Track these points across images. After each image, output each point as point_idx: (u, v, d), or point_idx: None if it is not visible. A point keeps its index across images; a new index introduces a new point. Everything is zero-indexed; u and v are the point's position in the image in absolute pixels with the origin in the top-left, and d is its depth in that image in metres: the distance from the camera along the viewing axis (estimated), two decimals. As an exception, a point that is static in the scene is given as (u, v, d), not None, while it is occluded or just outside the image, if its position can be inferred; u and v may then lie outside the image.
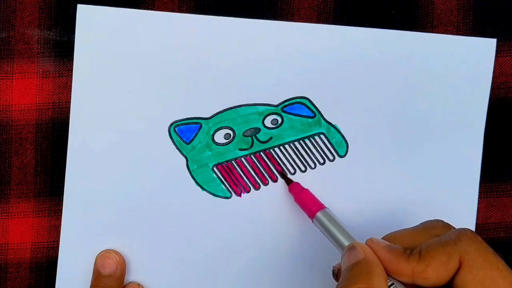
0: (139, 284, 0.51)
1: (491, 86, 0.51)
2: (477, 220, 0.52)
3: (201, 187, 0.51)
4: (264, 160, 0.51)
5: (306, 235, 0.51)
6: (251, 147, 0.51)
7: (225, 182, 0.51)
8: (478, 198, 0.52)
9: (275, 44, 0.50)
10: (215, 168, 0.51)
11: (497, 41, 0.51)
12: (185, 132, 0.51)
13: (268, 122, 0.51)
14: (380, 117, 0.51)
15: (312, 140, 0.51)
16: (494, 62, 0.51)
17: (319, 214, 0.47)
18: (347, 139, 0.51)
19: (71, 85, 0.50)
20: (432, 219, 0.42)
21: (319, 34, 0.51)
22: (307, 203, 0.48)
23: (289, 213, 0.51)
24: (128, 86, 0.50)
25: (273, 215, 0.51)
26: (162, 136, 0.51)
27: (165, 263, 0.51)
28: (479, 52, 0.51)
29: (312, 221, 0.47)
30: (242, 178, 0.51)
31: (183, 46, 0.50)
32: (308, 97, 0.51)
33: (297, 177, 0.51)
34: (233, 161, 0.51)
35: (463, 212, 0.52)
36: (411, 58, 0.51)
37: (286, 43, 0.50)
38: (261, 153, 0.51)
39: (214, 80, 0.50)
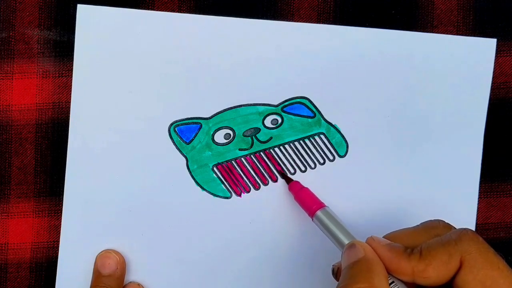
0: (139, 284, 0.51)
1: (491, 86, 0.51)
2: (477, 220, 0.52)
3: (201, 187, 0.51)
4: (264, 160, 0.51)
5: (306, 235, 0.51)
6: (251, 147, 0.51)
7: (225, 182, 0.51)
8: (478, 198, 0.52)
9: (275, 44, 0.50)
10: (215, 168, 0.51)
11: (497, 41, 0.51)
12: (185, 132, 0.51)
13: (268, 122, 0.51)
14: (380, 117, 0.51)
15: (312, 140, 0.51)
16: (494, 62, 0.51)
17: (319, 212, 0.47)
18: (347, 139, 0.51)
19: (71, 85, 0.50)
20: (432, 219, 0.42)
21: (319, 34, 0.51)
22: (307, 201, 0.48)
23: (289, 213, 0.51)
24: (128, 86, 0.50)
25: (273, 215, 0.51)
26: (162, 136, 0.51)
27: (165, 263, 0.51)
28: (479, 52, 0.51)
29: (312, 219, 0.47)
30: (242, 178, 0.51)
31: (183, 46, 0.50)
32: (308, 97, 0.51)
33: (297, 177, 0.51)
34: (233, 161, 0.51)
35: (463, 212, 0.52)
36: (411, 58, 0.51)
37: (286, 43, 0.50)
38: (261, 153, 0.51)
39: (214, 80, 0.50)
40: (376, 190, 0.51)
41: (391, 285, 0.39)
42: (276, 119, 0.51)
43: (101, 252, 0.50)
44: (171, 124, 0.50)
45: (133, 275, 0.51)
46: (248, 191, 0.51)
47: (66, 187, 0.50)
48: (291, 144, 0.51)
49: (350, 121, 0.51)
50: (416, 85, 0.51)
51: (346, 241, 0.44)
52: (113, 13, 0.50)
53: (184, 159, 0.51)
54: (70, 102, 0.50)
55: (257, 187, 0.51)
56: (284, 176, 0.51)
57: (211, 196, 0.51)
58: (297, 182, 0.50)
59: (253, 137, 0.51)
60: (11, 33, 0.50)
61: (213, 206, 0.51)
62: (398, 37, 0.51)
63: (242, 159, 0.51)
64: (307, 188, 0.49)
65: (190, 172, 0.51)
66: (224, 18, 0.50)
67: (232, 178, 0.51)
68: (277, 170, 0.51)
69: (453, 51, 0.51)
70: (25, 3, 0.50)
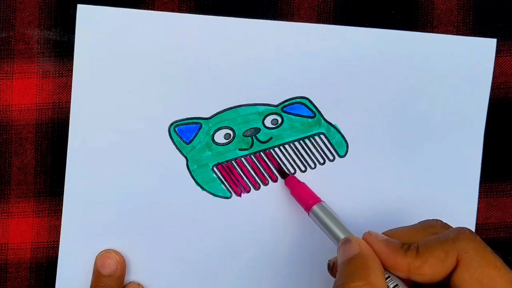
0: (139, 284, 0.51)
1: (491, 86, 0.51)
2: (477, 220, 0.52)
3: (201, 187, 0.51)
4: (264, 160, 0.51)
5: (306, 235, 0.51)
6: (251, 147, 0.51)
7: (225, 182, 0.51)
8: (478, 198, 0.52)
9: (275, 44, 0.50)
10: (215, 168, 0.51)
11: (497, 41, 0.51)
12: (185, 132, 0.51)
13: (268, 122, 0.51)
14: (380, 117, 0.51)
15: (312, 140, 0.51)
16: (494, 62, 0.51)
17: (315, 207, 0.47)
18: (347, 139, 0.51)
19: (71, 85, 0.50)
20: (430, 218, 0.42)
21: (319, 34, 0.51)
22: (303, 196, 0.48)
23: (289, 213, 0.51)
24: (128, 86, 0.50)
25: (273, 215, 0.51)
26: (162, 136, 0.51)
27: (165, 263, 0.51)
28: (479, 52, 0.51)
29: (308, 214, 0.47)
30: (242, 178, 0.51)
31: (183, 46, 0.50)
32: (308, 97, 0.51)
33: (297, 177, 0.51)
34: (233, 161, 0.51)
35: (463, 212, 0.52)
36: (411, 58, 0.51)
37: (286, 43, 0.50)
38: (261, 153, 0.51)
39: (214, 80, 0.50)
40: (376, 190, 0.51)
41: (387, 280, 0.39)
42: (276, 119, 0.51)
43: (101, 252, 0.50)
44: (171, 124, 0.50)
45: (133, 275, 0.51)
46: (248, 191, 0.51)
47: (66, 187, 0.50)
48: (291, 144, 0.51)
49: (350, 121, 0.51)
50: (416, 85, 0.51)
51: (342, 236, 0.44)
52: (113, 13, 0.50)
53: (184, 159, 0.51)
54: (70, 102, 0.50)
55: (257, 187, 0.51)
56: (280, 170, 0.51)
57: (211, 196, 0.51)
58: (294, 177, 0.50)
59: (253, 137, 0.51)
60: (11, 33, 0.50)
61: (213, 206, 0.51)
62: (398, 37, 0.51)
63: (242, 159, 0.51)
64: (303, 183, 0.49)
65: (190, 172, 0.51)
66: (224, 18, 0.50)
67: (232, 178, 0.51)
68: (274, 167, 0.51)
69: (453, 51, 0.51)
70: (25, 3, 0.50)
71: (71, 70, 0.50)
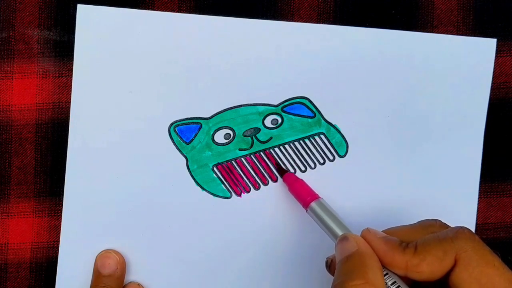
0: (139, 284, 0.51)
1: (491, 86, 0.51)
2: (477, 220, 0.52)
3: (201, 187, 0.51)
4: (264, 160, 0.51)
5: (306, 235, 0.51)
6: (251, 147, 0.51)
7: (225, 182, 0.51)
8: (478, 198, 0.52)
9: (275, 44, 0.50)
10: (215, 168, 0.51)
11: (497, 41, 0.51)
12: (185, 132, 0.51)
13: (268, 122, 0.51)
14: (380, 117, 0.51)
15: (312, 140, 0.51)
16: (494, 62, 0.51)
17: (313, 204, 0.47)
18: (347, 139, 0.51)
19: (71, 85, 0.50)
20: (429, 218, 0.42)
21: (319, 34, 0.51)
22: (301, 193, 0.48)
23: (289, 213, 0.51)
24: (128, 86, 0.50)
25: (273, 215, 0.51)
26: (162, 136, 0.51)
27: (165, 263, 0.51)
28: (479, 52, 0.51)
29: (306, 211, 0.47)
30: (242, 178, 0.51)
31: (183, 46, 0.50)
32: (308, 97, 0.51)
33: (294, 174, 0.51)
34: (233, 161, 0.51)
35: (463, 212, 0.52)
36: (411, 58, 0.51)
37: (286, 43, 0.50)
38: (261, 153, 0.51)
39: (214, 80, 0.50)
40: (376, 190, 0.51)
41: (385, 277, 0.39)
42: (276, 119, 0.51)
43: (101, 252, 0.50)
44: (171, 124, 0.50)
45: (133, 275, 0.51)
46: (248, 191, 0.51)
47: (66, 187, 0.50)
48: (291, 144, 0.51)
49: (350, 121, 0.51)
50: (416, 85, 0.51)
51: (340, 233, 0.44)
52: (113, 13, 0.50)
53: (184, 159, 0.51)
54: (70, 102, 0.50)
55: (257, 187, 0.51)
56: (278, 167, 0.51)
57: (211, 196, 0.51)
58: (292, 174, 0.50)
59: (253, 137, 0.51)
60: (11, 33, 0.50)
61: (213, 206, 0.51)
62: (398, 37, 0.51)
63: (242, 159, 0.51)
64: (301, 179, 0.49)
65: (190, 172, 0.51)
66: (224, 18, 0.50)
67: (232, 178, 0.51)
68: (274, 166, 0.51)
69: (453, 51, 0.51)
70: (25, 3, 0.50)
71: (71, 70, 0.50)
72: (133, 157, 0.50)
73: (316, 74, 0.51)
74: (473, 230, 0.50)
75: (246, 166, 0.51)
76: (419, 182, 0.51)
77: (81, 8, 0.50)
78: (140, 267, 0.51)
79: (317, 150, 0.51)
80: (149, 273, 0.51)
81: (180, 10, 0.50)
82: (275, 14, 0.51)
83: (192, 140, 0.51)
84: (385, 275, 0.39)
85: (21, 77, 0.50)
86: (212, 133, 0.51)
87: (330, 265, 0.43)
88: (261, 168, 0.51)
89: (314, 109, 0.51)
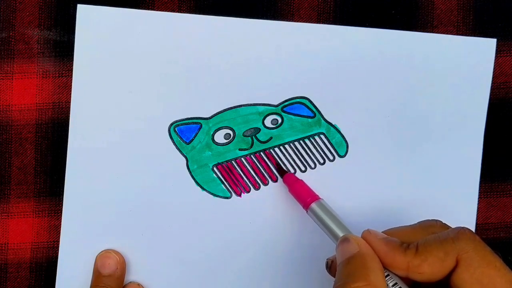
0: (139, 284, 0.51)
1: (491, 86, 0.51)
2: (477, 220, 0.52)
3: (201, 187, 0.51)
4: (264, 160, 0.51)
5: (306, 235, 0.51)
6: (251, 147, 0.51)
7: (225, 182, 0.51)
8: (478, 198, 0.52)
9: (275, 44, 0.50)
10: (215, 168, 0.51)
11: (497, 41, 0.51)
12: (185, 132, 0.51)
13: (268, 122, 0.51)
14: (380, 117, 0.51)
15: (312, 140, 0.51)
16: (494, 62, 0.51)
17: (313, 205, 0.47)
18: (347, 139, 0.51)
19: (71, 85, 0.50)
20: (430, 218, 0.42)
21: (319, 34, 0.51)
22: (302, 194, 0.48)
23: (289, 213, 0.51)
24: (128, 86, 0.50)
25: (273, 215, 0.51)
26: (162, 136, 0.51)
27: (165, 263, 0.51)
28: (479, 52, 0.51)
29: (307, 212, 0.47)
30: (242, 178, 0.51)
31: (183, 46, 0.50)
32: (308, 97, 0.51)
33: (295, 175, 0.51)
34: (233, 161, 0.51)
35: (463, 212, 0.52)
36: (411, 58, 0.51)
37: (286, 43, 0.50)
38: (261, 153, 0.51)
39: (214, 80, 0.50)
40: (376, 190, 0.51)
41: (386, 278, 0.39)
42: (276, 119, 0.51)
43: (101, 252, 0.50)
44: (171, 124, 0.50)
45: (133, 275, 0.51)
46: (248, 191, 0.51)
47: (66, 187, 0.50)
48: (291, 144, 0.51)
49: (350, 121, 0.51)
50: (416, 85, 0.51)
51: (340, 234, 0.44)
52: (113, 13, 0.50)
53: (184, 159, 0.51)
54: (70, 102, 0.50)
55: (257, 187, 0.51)
56: (279, 168, 0.51)
57: (211, 196, 0.51)
58: (292, 174, 0.50)
59: (253, 137, 0.51)
60: (11, 33, 0.50)
61: (213, 206, 0.51)
62: (398, 37, 0.51)
63: (242, 159, 0.51)
64: (301, 180, 0.49)
65: (190, 172, 0.51)
66: (224, 18, 0.50)
67: (232, 178, 0.51)
68: (274, 166, 0.51)
69: (453, 51, 0.51)
70: (25, 3, 0.50)
71: (71, 70, 0.50)
72: (133, 157, 0.50)
73: (316, 74, 0.51)
74: (473, 230, 0.50)
75: (246, 166, 0.51)
76: (419, 182, 0.51)
77: (81, 8, 0.50)
78: (140, 267, 0.51)
79: (317, 150, 0.51)
80: (149, 273, 0.51)
81: (180, 10, 0.50)
82: (275, 14, 0.51)
83: (192, 140, 0.51)
84: (386, 276, 0.39)
85: (21, 77, 0.50)
86: (212, 133, 0.51)
87: (330, 266, 0.43)
88: (261, 168, 0.51)
89: (314, 109, 0.51)
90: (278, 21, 0.51)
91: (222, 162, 0.51)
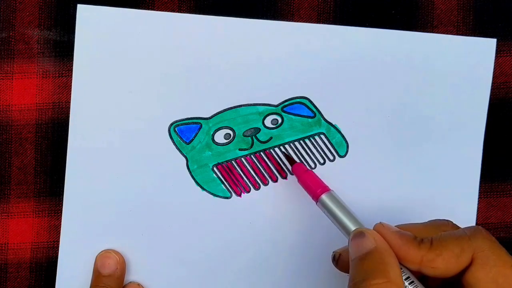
0: (139, 284, 0.51)
1: (491, 86, 0.51)
2: (477, 220, 0.52)
3: (201, 187, 0.51)
4: (264, 160, 0.51)
5: (306, 235, 0.51)
6: (251, 147, 0.51)
7: (225, 182, 0.51)
8: (478, 198, 0.52)
9: (275, 44, 0.50)
10: (215, 168, 0.51)
11: (497, 41, 0.51)
12: (185, 132, 0.51)
13: (268, 122, 0.51)
14: (380, 117, 0.51)
15: (312, 140, 0.51)
16: (494, 62, 0.51)
17: (323, 196, 0.45)
18: (347, 139, 0.51)
19: (71, 85, 0.50)
20: (438, 218, 0.42)
21: (319, 34, 0.51)
22: (311, 185, 0.46)
23: (289, 213, 0.51)
24: (128, 86, 0.50)
25: (273, 215, 0.51)
26: (162, 136, 0.51)
27: (165, 263, 0.51)
28: (479, 52, 0.51)
29: (316, 203, 0.46)
30: (242, 178, 0.51)
31: (183, 46, 0.50)
32: (308, 97, 0.51)
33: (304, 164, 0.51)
34: (233, 161, 0.51)
35: (463, 212, 0.52)
36: (411, 58, 0.51)
37: (286, 43, 0.50)
38: (261, 153, 0.51)
39: (214, 80, 0.50)
40: (376, 190, 0.51)
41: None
42: (276, 119, 0.51)
43: (101, 252, 0.50)
44: (171, 124, 0.50)
45: (133, 275, 0.51)
46: (248, 191, 0.51)
47: (66, 187, 0.50)
48: (291, 144, 0.51)
49: (350, 121, 0.51)
50: (416, 85, 0.51)
51: (352, 227, 0.43)
52: (113, 13, 0.50)
53: (184, 159, 0.51)
54: (70, 102, 0.50)
55: (257, 187, 0.51)
56: (287, 156, 0.50)
57: (211, 196, 0.51)
58: (301, 164, 0.49)
59: (253, 137, 0.51)
60: (11, 33, 0.50)
61: (213, 206, 0.51)
62: (398, 37, 0.51)
63: (242, 159, 0.51)
64: (311, 171, 0.49)
65: (190, 172, 0.51)
66: (224, 18, 0.50)
67: (232, 178, 0.51)
68: (274, 166, 0.51)
69: (453, 51, 0.51)
70: (25, 3, 0.50)
71: (71, 70, 0.50)
72: (133, 157, 0.50)
73: (316, 74, 0.51)
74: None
75: (246, 166, 0.51)
76: (419, 182, 0.51)
77: (81, 8, 0.50)
78: (140, 267, 0.51)
79: (317, 150, 0.51)
80: (149, 273, 0.51)
81: (180, 10, 0.50)
82: (275, 14, 0.51)
83: (192, 140, 0.51)
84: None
85: (21, 77, 0.50)
86: (212, 133, 0.51)
87: (338, 260, 0.43)
88: (261, 168, 0.51)
89: (314, 109, 0.51)
90: (278, 21, 0.51)
91: (222, 162, 0.51)
